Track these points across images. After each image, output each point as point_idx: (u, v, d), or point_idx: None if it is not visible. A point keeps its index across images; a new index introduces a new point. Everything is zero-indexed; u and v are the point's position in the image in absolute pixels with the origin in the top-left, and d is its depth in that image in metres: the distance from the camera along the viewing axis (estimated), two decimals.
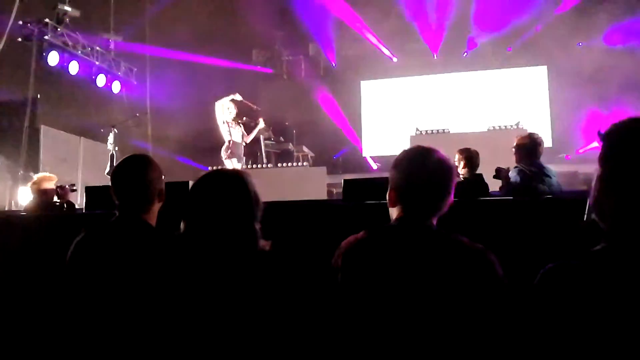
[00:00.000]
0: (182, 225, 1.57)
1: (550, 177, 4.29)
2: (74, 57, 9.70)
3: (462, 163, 4.50)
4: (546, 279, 1.12)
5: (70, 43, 9.63)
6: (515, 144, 4.54)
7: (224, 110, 6.82)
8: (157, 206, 2.03)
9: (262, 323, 1.44)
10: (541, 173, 4.23)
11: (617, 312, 1.03)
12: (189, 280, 1.48)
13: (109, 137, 7.82)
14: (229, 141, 6.80)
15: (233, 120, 6.81)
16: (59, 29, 9.39)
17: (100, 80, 10.41)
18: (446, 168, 1.53)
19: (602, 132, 1.13)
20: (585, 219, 1.17)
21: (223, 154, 6.85)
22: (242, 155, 6.93)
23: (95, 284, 1.82)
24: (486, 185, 4.38)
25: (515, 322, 1.25)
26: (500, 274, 1.39)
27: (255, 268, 1.49)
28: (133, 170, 2.00)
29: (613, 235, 1.09)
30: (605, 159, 1.12)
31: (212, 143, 11.18)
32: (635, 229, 1.07)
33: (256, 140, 10.88)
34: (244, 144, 6.93)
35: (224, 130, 6.84)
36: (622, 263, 1.06)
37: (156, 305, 1.50)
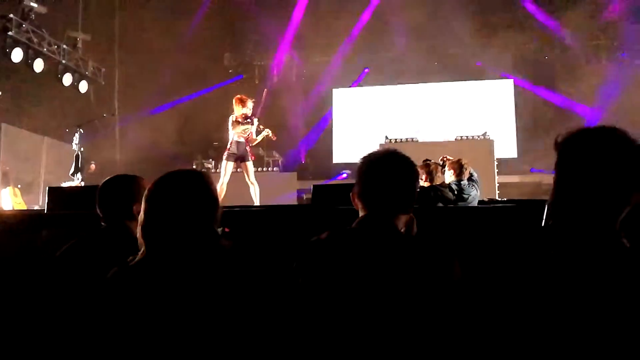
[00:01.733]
0: (139, 222, 1.55)
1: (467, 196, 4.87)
2: (38, 54, 9.44)
3: (423, 176, 4.86)
4: (516, 276, 1.17)
5: (35, 40, 9.38)
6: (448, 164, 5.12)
7: (239, 105, 6.36)
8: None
9: (224, 322, 1.43)
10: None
11: (567, 313, 1.08)
12: (149, 281, 1.47)
13: (74, 138, 7.64)
14: (232, 141, 6.37)
15: (242, 116, 6.34)
16: (24, 25, 9.13)
17: (67, 79, 10.16)
18: (407, 169, 1.57)
19: (559, 139, 1.19)
20: (542, 224, 1.22)
21: (227, 153, 6.40)
22: (243, 158, 6.37)
23: (79, 285, 1.85)
24: (444, 194, 4.66)
25: (476, 320, 1.29)
26: (459, 273, 1.43)
27: (216, 266, 1.49)
28: (118, 191, 2.07)
29: (567, 239, 1.15)
30: (559, 166, 1.19)
31: (181, 145, 11.09)
32: (586, 234, 1.13)
33: (226, 144, 10.83)
34: (248, 145, 6.43)
35: (230, 128, 6.38)
36: (574, 267, 1.12)
37: (118, 308, 1.48)
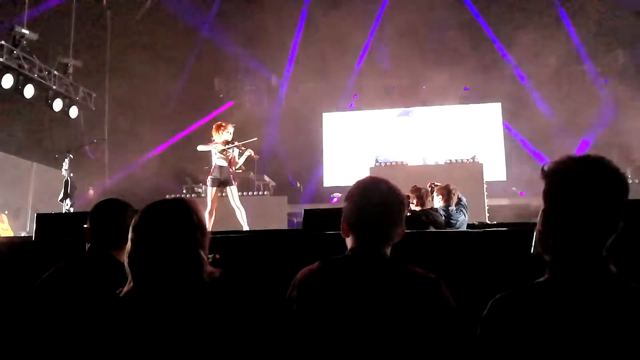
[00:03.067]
0: (126, 254, 1.54)
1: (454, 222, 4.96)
2: (29, 80, 9.45)
3: (414, 201, 4.92)
4: (495, 309, 1.17)
5: (26, 66, 9.40)
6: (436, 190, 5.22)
7: (220, 130, 6.37)
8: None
9: (212, 354, 1.41)
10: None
11: (559, 340, 1.08)
12: (136, 314, 1.46)
13: (63, 163, 7.60)
14: (215, 165, 6.36)
15: (223, 143, 6.34)
16: (14, 52, 9.16)
17: (57, 105, 10.15)
18: (396, 198, 1.57)
19: (545, 169, 1.21)
20: (532, 251, 1.24)
21: (208, 177, 6.41)
22: (227, 182, 6.32)
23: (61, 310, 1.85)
24: (435, 218, 4.70)
25: (467, 349, 1.28)
26: (452, 303, 1.43)
27: (202, 295, 1.48)
28: (109, 216, 2.06)
29: (555, 267, 1.16)
30: (547, 196, 1.20)
31: (172, 171, 11.07)
32: (575, 262, 1.15)
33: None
34: (232, 169, 6.38)
35: (213, 152, 6.40)
36: (563, 294, 1.13)
37: (107, 340, 1.46)
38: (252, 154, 6.44)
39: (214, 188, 6.29)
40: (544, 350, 1.09)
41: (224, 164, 6.37)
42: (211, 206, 6.20)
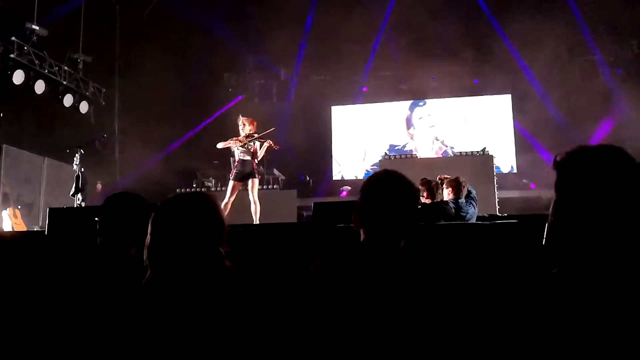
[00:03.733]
0: (145, 247, 1.55)
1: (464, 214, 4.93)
2: (40, 76, 9.52)
3: (425, 193, 4.94)
4: (507, 300, 1.17)
5: (37, 62, 9.46)
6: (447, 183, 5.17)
7: (239, 126, 6.51)
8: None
9: (226, 346, 1.42)
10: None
11: (575, 331, 1.07)
12: (153, 304, 1.47)
13: (74, 158, 7.65)
14: (238, 160, 6.47)
15: (244, 137, 6.45)
16: (25, 48, 9.23)
17: (67, 100, 10.22)
18: (409, 191, 1.58)
19: (557, 159, 1.20)
20: (544, 243, 1.22)
21: (230, 172, 6.59)
22: (252, 172, 6.43)
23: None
24: (446, 210, 4.69)
25: (484, 341, 1.28)
26: (460, 292, 1.43)
27: (220, 289, 1.49)
28: (122, 209, 2.08)
29: (568, 258, 1.15)
30: (559, 186, 1.19)
31: (181, 166, 11.11)
32: (588, 253, 1.13)
33: (226, 162, 10.85)
34: (255, 162, 6.48)
35: (233, 147, 6.51)
36: (577, 285, 1.12)
37: (126, 332, 1.48)
38: (272, 144, 6.48)
39: (235, 182, 6.37)
40: (559, 342, 1.08)
41: (247, 157, 6.46)
42: (228, 199, 6.28)
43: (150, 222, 1.56)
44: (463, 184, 5.03)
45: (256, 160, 6.53)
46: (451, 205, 4.86)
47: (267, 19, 11.21)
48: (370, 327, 1.39)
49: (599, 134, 10.68)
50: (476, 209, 5.05)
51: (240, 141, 6.45)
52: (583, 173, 1.15)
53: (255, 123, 6.59)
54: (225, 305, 1.46)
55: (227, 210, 6.20)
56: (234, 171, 6.47)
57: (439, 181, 5.20)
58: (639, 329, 1.05)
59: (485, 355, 1.22)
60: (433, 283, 1.43)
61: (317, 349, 1.44)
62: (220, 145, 6.60)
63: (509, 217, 5.01)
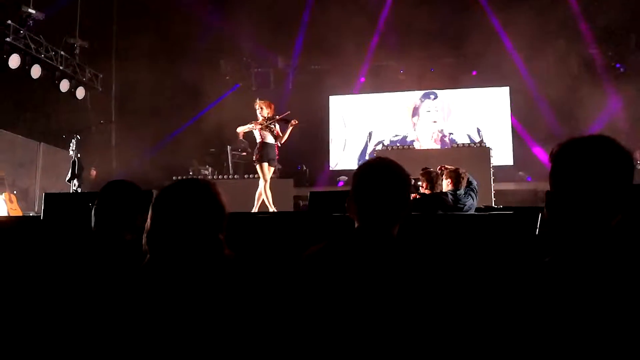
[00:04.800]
0: (145, 231, 1.55)
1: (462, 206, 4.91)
2: (36, 60, 9.44)
3: (424, 184, 4.91)
4: (506, 286, 1.19)
5: (33, 46, 9.38)
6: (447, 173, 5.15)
7: (256, 110, 6.45)
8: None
9: (222, 333, 1.43)
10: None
11: (565, 318, 1.09)
12: (153, 289, 1.47)
13: (71, 144, 7.63)
14: (260, 143, 6.40)
15: (264, 119, 6.39)
16: (21, 32, 9.14)
17: (64, 86, 10.15)
18: (401, 178, 1.58)
19: (553, 151, 1.22)
20: (537, 232, 1.24)
21: (254, 156, 6.42)
22: (274, 158, 6.45)
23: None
24: (445, 202, 4.67)
25: (474, 326, 1.30)
26: (452, 280, 1.44)
27: (218, 276, 1.49)
28: (118, 197, 2.07)
29: (560, 247, 1.17)
30: (552, 177, 1.21)
31: (178, 153, 11.09)
32: (579, 242, 1.16)
33: (223, 151, 10.83)
34: (278, 145, 6.47)
35: (254, 131, 6.44)
36: (568, 273, 1.14)
37: (124, 316, 1.49)
38: (294, 122, 6.45)
39: (264, 164, 6.34)
40: (551, 329, 1.10)
41: (271, 140, 6.43)
42: (266, 185, 6.30)
43: (150, 207, 1.56)
44: (463, 175, 4.99)
45: (279, 143, 6.50)
46: (449, 196, 4.86)
47: (265, 7, 11.13)
48: (362, 314, 1.40)
49: (596, 128, 10.69)
50: (475, 200, 5.03)
51: (260, 124, 6.40)
52: (574, 163, 1.17)
53: (272, 106, 6.55)
54: (222, 293, 1.47)
55: (268, 194, 6.25)
56: (258, 154, 6.37)
57: (439, 171, 5.18)
58: (627, 316, 1.06)
59: (478, 341, 1.23)
60: (425, 271, 1.44)
61: (311, 337, 1.45)
62: (240, 129, 6.55)
63: (505, 208, 5.03)
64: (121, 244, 1.98)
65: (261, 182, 6.35)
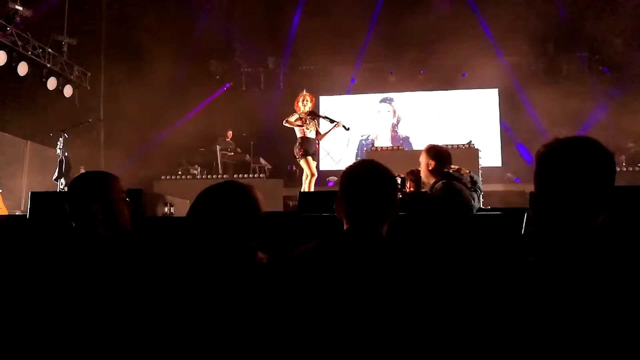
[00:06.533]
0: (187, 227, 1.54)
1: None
2: (23, 57, 9.33)
3: (409, 183, 4.93)
4: (489, 286, 1.20)
5: (20, 43, 9.27)
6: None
7: (299, 103, 6.35)
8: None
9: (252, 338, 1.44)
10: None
11: (547, 317, 1.11)
12: (188, 290, 1.48)
13: (58, 142, 7.54)
14: (301, 138, 6.27)
15: (307, 114, 6.29)
16: (8, 28, 9.03)
17: (51, 83, 10.04)
18: (387, 178, 1.59)
19: (538, 152, 1.24)
20: (522, 232, 1.26)
21: (295, 151, 6.31)
22: (315, 153, 6.37)
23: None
24: (431, 199, 4.62)
25: (463, 326, 1.31)
26: (440, 278, 1.46)
27: (249, 283, 1.49)
28: (89, 189, 2.02)
29: (544, 246, 1.19)
30: (536, 178, 1.23)
31: (167, 152, 11.02)
32: (562, 241, 1.18)
33: (212, 150, 10.78)
34: (317, 141, 6.37)
35: (296, 126, 6.32)
36: (551, 273, 1.16)
37: (155, 315, 1.48)
38: (339, 124, 6.35)
39: (309, 157, 6.25)
40: (533, 328, 1.11)
41: (312, 135, 6.36)
42: (311, 180, 6.25)
43: (189, 209, 1.55)
44: (464, 175, 4.90)
45: (317, 140, 6.42)
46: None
47: (256, 7, 11.11)
48: (352, 313, 1.40)
49: (583, 130, 10.81)
50: (476, 200, 4.92)
51: (306, 118, 6.32)
52: (558, 164, 1.19)
53: (313, 100, 6.50)
54: (251, 301, 1.46)
55: (314, 179, 6.18)
56: (301, 149, 6.26)
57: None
58: (609, 315, 1.08)
59: (466, 340, 1.24)
60: (414, 270, 1.45)
61: (302, 337, 1.45)
62: (289, 124, 6.41)
63: (494, 209, 5.05)
64: (98, 239, 1.94)
65: (311, 177, 6.22)
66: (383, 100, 12.95)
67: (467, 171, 5.02)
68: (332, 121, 6.39)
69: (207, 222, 1.53)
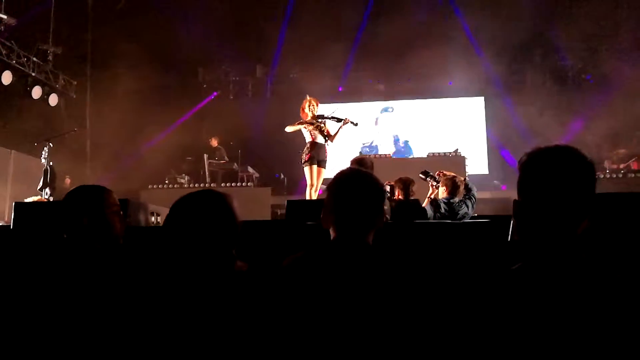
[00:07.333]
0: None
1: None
2: (7, 66, 9.24)
3: (398, 191, 4.91)
4: (468, 298, 1.21)
5: (4, 52, 9.18)
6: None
7: (305, 110, 6.12)
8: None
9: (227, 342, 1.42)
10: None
11: (532, 324, 1.12)
12: (168, 299, 1.46)
13: (43, 152, 7.45)
14: (310, 142, 6.02)
15: (313, 117, 6.05)
16: None
17: (36, 92, 9.94)
18: (375, 187, 1.59)
19: (519, 160, 1.26)
20: (509, 239, 1.27)
21: (302, 156, 6.02)
22: (325, 159, 6.11)
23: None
24: (421, 209, 4.65)
25: (448, 332, 1.31)
26: (427, 287, 1.46)
27: (233, 289, 1.48)
28: (85, 203, 2.00)
29: (528, 254, 1.20)
30: (519, 186, 1.25)
31: (154, 161, 10.94)
32: (545, 248, 1.19)
33: (199, 159, 10.74)
34: (327, 144, 6.10)
35: (303, 130, 6.07)
36: (535, 280, 1.17)
37: (136, 326, 1.46)
38: (347, 120, 6.15)
39: (314, 166, 5.97)
40: (520, 333, 1.12)
41: (321, 140, 6.08)
42: (317, 186, 5.96)
43: (166, 217, 1.54)
44: (459, 183, 4.85)
45: (329, 143, 6.14)
46: (442, 204, 4.72)
47: (243, 14, 11.14)
48: (340, 322, 1.40)
49: (566, 138, 10.95)
50: (471, 209, 4.84)
51: (310, 123, 6.06)
52: (540, 172, 1.21)
53: (318, 103, 6.25)
54: (231, 309, 1.45)
55: (318, 193, 5.89)
56: (309, 155, 5.98)
57: (437, 177, 5.05)
58: (593, 321, 1.09)
59: (453, 347, 1.25)
60: (401, 279, 1.45)
61: (291, 346, 1.44)
62: (289, 129, 6.18)
63: (480, 216, 5.09)
64: (94, 252, 1.94)
65: (314, 182, 5.97)
66: (387, 107, 13.00)
67: (462, 179, 5.05)
68: (338, 120, 6.17)
69: (184, 231, 1.51)
